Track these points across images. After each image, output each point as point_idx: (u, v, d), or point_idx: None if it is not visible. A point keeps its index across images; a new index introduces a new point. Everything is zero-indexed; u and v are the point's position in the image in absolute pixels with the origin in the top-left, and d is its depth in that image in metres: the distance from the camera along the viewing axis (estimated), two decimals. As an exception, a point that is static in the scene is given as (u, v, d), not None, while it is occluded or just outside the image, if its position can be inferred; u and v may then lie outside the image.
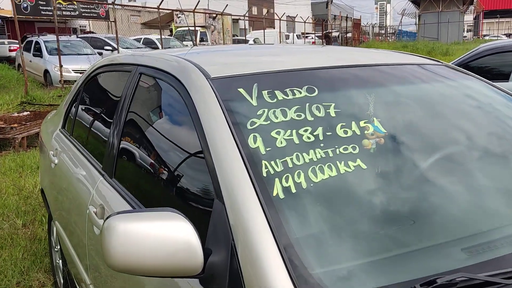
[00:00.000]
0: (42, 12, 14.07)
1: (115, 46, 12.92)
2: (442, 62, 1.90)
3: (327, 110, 1.29)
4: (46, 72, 12.03)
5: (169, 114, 1.51)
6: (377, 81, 1.57)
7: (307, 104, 1.29)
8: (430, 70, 1.76)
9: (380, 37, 43.05)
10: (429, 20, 33.15)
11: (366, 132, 1.29)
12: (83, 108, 2.28)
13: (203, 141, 1.18)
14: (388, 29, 49.36)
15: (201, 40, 18.51)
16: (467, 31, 49.99)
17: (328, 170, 1.10)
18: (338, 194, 1.08)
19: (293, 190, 1.04)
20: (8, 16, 24.99)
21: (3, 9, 23.35)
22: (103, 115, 1.99)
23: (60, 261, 2.54)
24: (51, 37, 12.79)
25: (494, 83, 1.81)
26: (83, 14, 16.78)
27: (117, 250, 0.95)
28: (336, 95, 1.39)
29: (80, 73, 11.05)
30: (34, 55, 12.66)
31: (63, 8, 16.15)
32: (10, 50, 16.55)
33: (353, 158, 1.15)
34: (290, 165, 1.09)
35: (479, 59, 5.87)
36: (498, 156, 1.40)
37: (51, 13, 14.42)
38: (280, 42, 22.96)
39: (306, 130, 1.20)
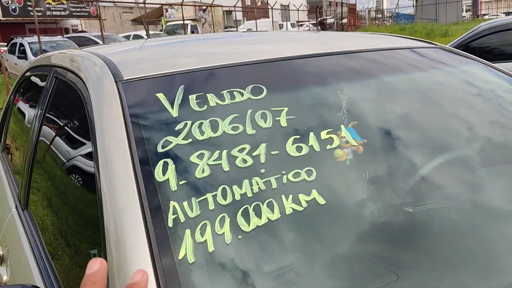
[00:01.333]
0: (31, 13, 13.69)
1: (102, 44, 12.54)
2: (437, 44, 1.54)
3: (277, 118, 0.94)
4: (31, 74, 11.67)
5: (78, 132, 1.16)
6: (354, 72, 1.21)
7: (250, 111, 0.94)
8: (423, 55, 1.41)
9: (377, 22, 42.38)
10: (426, 1, 32.49)
11: (329, 146, 0.95)
12: (11, 120, 1.93)
13: (98, 172, 0.84)
14: (385, 13, 48.61)
15: (192, 33, 18.08)
16: (466, 11, 49.13)
17: (267, 211, 0.75)
18: (278, 250, 0.73)
19: (210, 249, 0.69)
20: (-3, 19, 24.56)
21: (-10, 12, 22.92)
22: (23, 130, 1.65)
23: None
24: (36, 38, 12.40)
25: (494, 65, 1.46)
26: (73, 14, 16.38)
27: None
28: (292, 96, 1.04)
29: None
30: (19, 57, 12.28)
31: (53, 8, 15.77)
32: (-3, 54, 16.14)
33: (307, 189, 0.80)
34: (211, 206, 0.75)
35: (479, 39, 5.49)
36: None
37: (40, 13, 14.04)
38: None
39: (242, 150, 0.85)
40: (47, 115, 1.33)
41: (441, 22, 29.72)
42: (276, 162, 0.84)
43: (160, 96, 0.95)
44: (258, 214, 0.74)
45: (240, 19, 28.65)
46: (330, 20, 31.80)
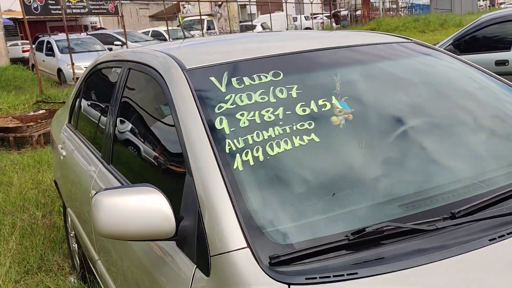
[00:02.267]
0: (52, 11, 14.38)
1: (124, 40, 13.15)
2: (411, 40, 2.00)
3: (290, 92, 1.44)
4: (59, 70, 12.37)
5: (153, 105, 1.68)
6: (343, 62, 1.70)
7: (272, 87, 1.44)
8: (398, 48, 1.88)
9: (391, 12, 42.13)
10: (441, -10, 32.28)
11: (333, 110, 1.44)
12: (84, 103, 2.47)
13: (178, 127, 1.35)
14: (400, 3, 48.22)
15: (208, 28, 18.56)
16: (483, 0, 48.41)
17: (284, 144, 1.26)
18: (290, 164, 1.24)
19: (251, 163, 1.20)
20: (20, 17, 25.47)
21: (14, 10, 23.79)
22: (100, 109, 2.18)
23: (76, 245, 2.77)
24: (62, 36, 13.09)
25: (459, 57, 1.92)
26: (92, 11, 17.05)
27: (103, 220, 1.12)
28: (299, 78, 1.53)
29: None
30: (46, 54, 12.99)
31: (73, 6, 16.44)
32: (24, 51, 16.98)
33: (308, 133, 1.30)
34: (250, 142, 1.25)
35: (480, 30, 5.84)
36: (450, 125, 1.53)
37: (61, 11, 14.74)
38: (288, 25, 22.82)
39: (267, 111, 1.35)
40: (124, 96, 1.85)
41: (456, 12, 29.52)
42: (289, 118, 1.33)
43: (213, 79, 1.45)
44: (279, 146, 1.24)
45: (255, 13, 29.03)
46: (344, 12, 31.95)
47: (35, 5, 16.09)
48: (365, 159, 1.32)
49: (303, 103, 1.40)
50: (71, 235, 2.90)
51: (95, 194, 1.17)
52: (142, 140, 1.67)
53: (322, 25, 28.39)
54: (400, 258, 0.97)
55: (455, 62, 1.84)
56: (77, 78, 11.02)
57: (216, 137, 1.26)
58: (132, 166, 1.71)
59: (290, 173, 1.23)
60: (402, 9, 44.73)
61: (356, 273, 0.92)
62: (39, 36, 14.96)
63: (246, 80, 1.45)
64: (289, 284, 0.92)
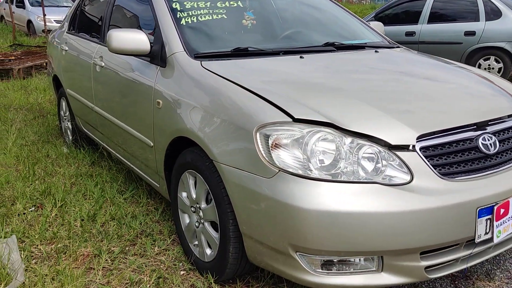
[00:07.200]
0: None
1: None
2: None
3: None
4: (29, 22, 12.86)
5: (141, 9, 2.83)
6: None
7: None
8: None
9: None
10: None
11: (245, 16, 2.65)
12: (83, 15, 3.56)
13: (153, 11, 2.51)
14: (365, -7, 49.83)
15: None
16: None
17: (208, 17, 2.46)
18: (209, 24, 2.45)
19: (190, 22, 2.40)
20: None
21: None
22: (98, 14, 3.29)
23: (69, 123, 3.87)
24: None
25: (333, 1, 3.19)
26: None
27: (114, 43, 2.28)
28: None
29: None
30: (17, 6, 13.39)
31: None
32: (-9, 3, 17.05)
33: (222, 13, 2.51)
34: (190, 14, 2.45)
35: (395, 7, 7.24)
36: (316, 25, 2.82)
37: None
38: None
39: (202, 2, 2.55)
40: (116, 4, 2.98)
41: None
42: (213, 7, 2.52)
43: None
44: (205, 17, 2.44)
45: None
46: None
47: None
48: (249, 29, 2.56)
49: (222, 1, 2.61)
50: (64, 117, 3.99)
51: (108, 31, 2.33)
52: (130, 21, 2.83)
53: None
54: (253, 57, 2.21)
55: (327, 1, 3.13)
56: (48, 30, 11.66)
57: (173, 11, 2.44)
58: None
59: (207, 27, 2.44)
60: (367, -2, 46.35)
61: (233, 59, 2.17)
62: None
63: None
64: (200, 61, 2.14)
